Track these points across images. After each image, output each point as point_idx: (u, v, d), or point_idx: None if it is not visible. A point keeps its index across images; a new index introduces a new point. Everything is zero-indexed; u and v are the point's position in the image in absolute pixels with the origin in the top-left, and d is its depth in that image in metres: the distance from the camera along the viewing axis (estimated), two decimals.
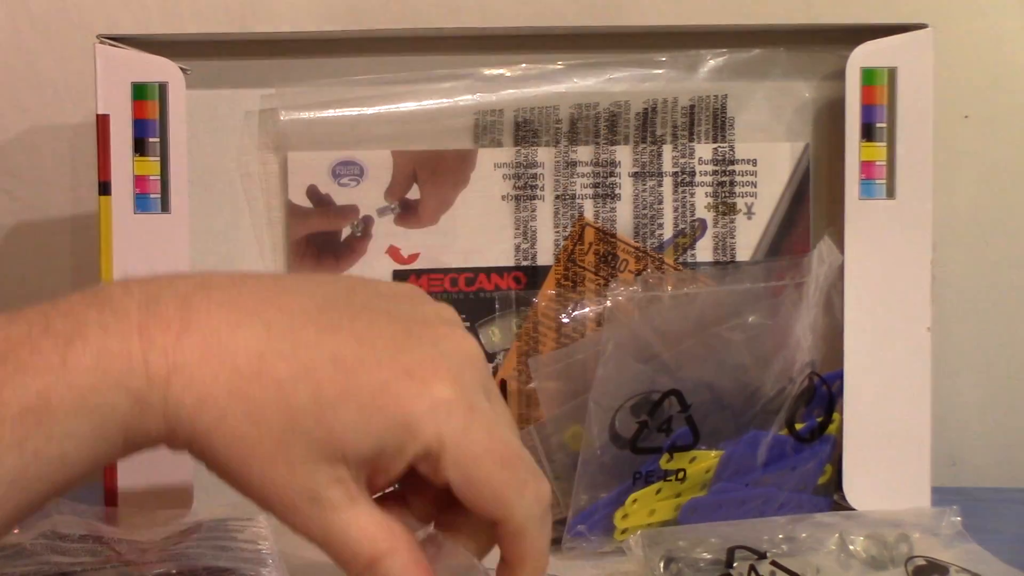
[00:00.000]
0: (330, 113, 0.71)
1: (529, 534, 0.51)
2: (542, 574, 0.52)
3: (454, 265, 0.70)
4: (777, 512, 0.65)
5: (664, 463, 0.64)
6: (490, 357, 0.72)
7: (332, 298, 0.51)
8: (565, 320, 0.71)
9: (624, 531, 0.63)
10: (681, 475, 0.64)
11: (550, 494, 0.51)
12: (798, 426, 0.66)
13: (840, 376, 0.68)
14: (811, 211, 0.71)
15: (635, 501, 0.63)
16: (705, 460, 0.64)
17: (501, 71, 0.71)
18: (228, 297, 0.50)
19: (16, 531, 0.61)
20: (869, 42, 0.67)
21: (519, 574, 0.52)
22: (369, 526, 0.50)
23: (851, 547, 0.62)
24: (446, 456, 0.49)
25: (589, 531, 0.63)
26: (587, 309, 0.71)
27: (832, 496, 0.68)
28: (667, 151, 0.71)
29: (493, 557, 0.50)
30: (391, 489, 0.51)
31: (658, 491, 0.64)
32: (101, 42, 0.66)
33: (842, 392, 0.68)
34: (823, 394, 0.67)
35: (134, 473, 0.67)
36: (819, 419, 0.67)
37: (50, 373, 0.48)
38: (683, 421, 0.64)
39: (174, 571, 0.57)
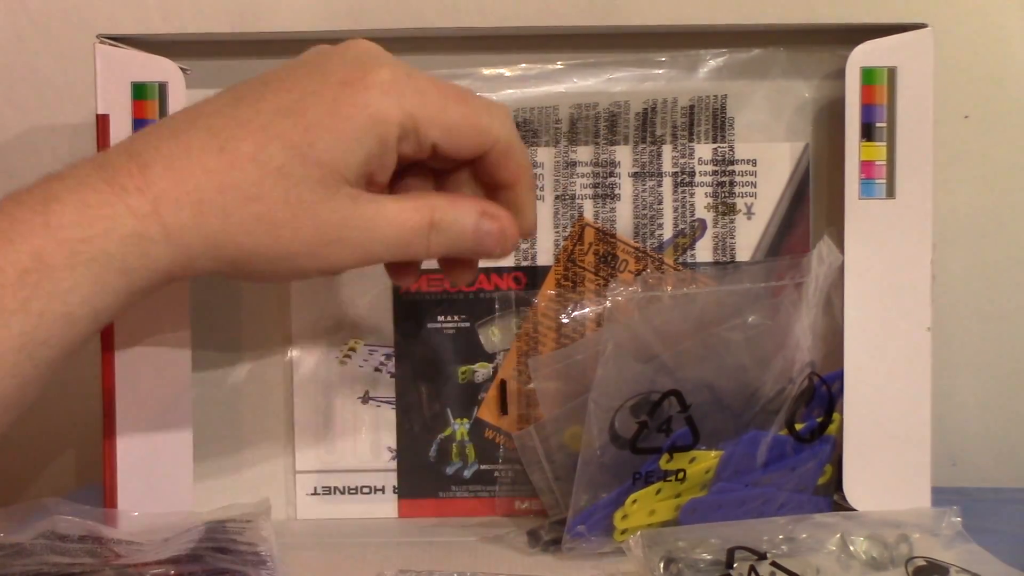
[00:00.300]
0: None
1: (515, 147, 0.57)
2: (534, 185, 0.59)
3: None
4: (777, 512, 0.65)
5: (664, 463, 0.64)
6: (490, 357, 0.72)
7: (242, 91, 0.55)
8: (565, 320, 0.71)
9: (624, 531, 0.63)
10: (681, 475, 0.64)
11: (511, 112, 0.58)
12: (798, 426, 0.66)
13: (840, 376, 0.68)
14: (811, 211, 0.71)
15: (635, 501, 0.63)
16: (705, 460, 0.64)
17: (501, 71, 0.71)
18: (164, 130, 0.54)
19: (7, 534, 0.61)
20: (869, 42, 0.67)
21: (520, 187, 0.58)
22: (404, 204, 0.56)
23: (851, 547, 0.62)
24: (421, 121, 0.54)
25: (589, 531, 0.63)
26: (587, 309, 0.71)
27: (832, 496, 0.68)
28: (667, 151, 0.71)
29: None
30: None
31: (658, 491, 0.64)
32: (101, 42, 0.66)
33: (842, 392, 0.68)
34: (823, 394, 0.67)
35: (134, 473, 0.67)
36: (819, 419, 0.67)
37: (37, 235, 0.51)
38: (683, 421, 0.64)
39: (173, 572, 0.57)
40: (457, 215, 0.56)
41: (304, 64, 0.56)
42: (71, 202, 0.52)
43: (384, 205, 0.55)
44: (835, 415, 0.68)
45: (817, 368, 0.67)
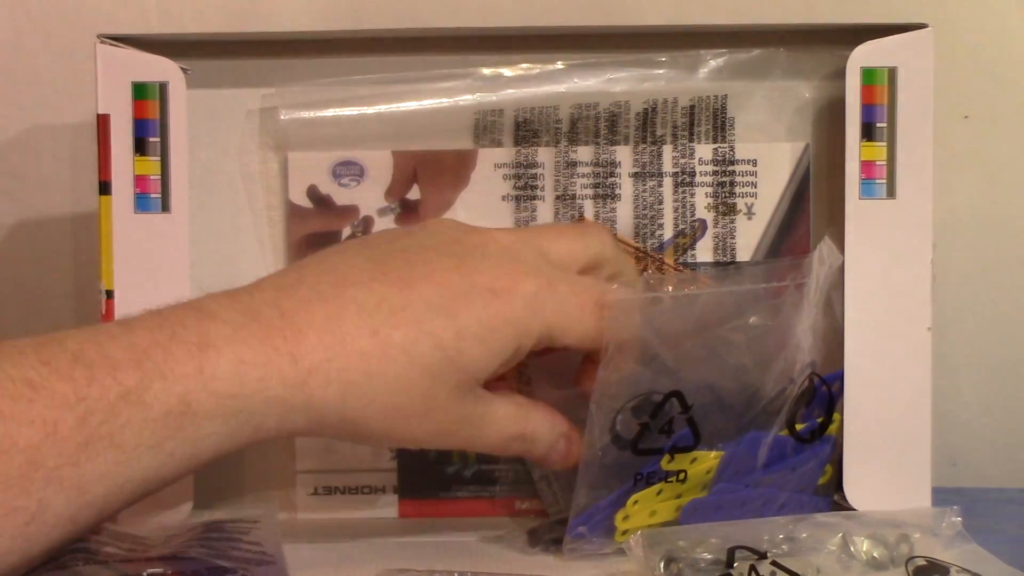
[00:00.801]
0: (330, 113, 0.71)
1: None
2: None
3: None
4: (778, 513, 0.65)
5: (665, 464, 0.64)
6: None
7: (383, 256, 0.58)
8: None
9: (625, 532, 0.63)
10: (682, 476, 0.64)
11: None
12: (798, 427, 0.66)
13: (840, 377, 0.68)
14: (811, 211, 0.71)
15: (636, 502, 0.63)
16: (706, 461, 0.64)
17: (501, 71, 0.71)
18: (309, 290, 0.56)
19: None
20: (869, 42, 0.67)
21: None
22: (509, 411, 0.60)
23: (851, 547, 0.62)
24: (556, 333, 0.59)
25: (590, 532, 0.63)
26: None
27: (832, 496, 0.68)
28: (667, 151, 0.71)
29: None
30: None
31: (659, 492, 0.64)
32: (101, 42, 0.66)
33: (842, 392, 0.68)
34: (823, 395, 0.67)
35: None
36: (819, 420, 0.67)
37: (189, 379, 0.52)
38: (684, 422, 0.64)
39: (174, 571, 0.57)
40: (545, 434, 0.62)
41: (448, 253, 0.59)
42: (227, 354, 0.53)
43: (494, 408, 0.60)
44: (835, 415, 0.68)
45: (818, 368, 0.67)
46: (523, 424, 0.61)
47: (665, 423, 0.64)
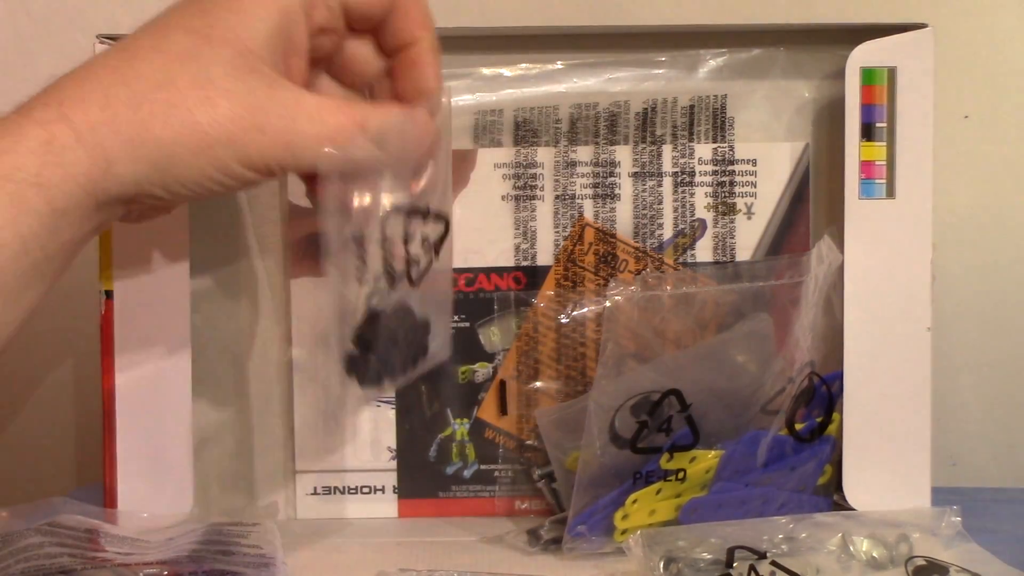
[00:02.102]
0: None
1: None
2: (437, 44, 0.58)
3: (454, 265, 0.70)
4: (777, 512, 0.65)
5: (664, 463, 0.64)
6: (490, 357, 0.72)
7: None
8: (564, 320, 0.71)
9: (624, 532, 0.63)
10: (681, 475, 0.64)
11: None
12: (798, 426, 0.66)
13: (840, 376, 0.68)
14: (811, 211, 0.71)
15: (635, 501, 0.63)
16: (705, 460, 0.64)
17: (501, 71, 0.71)
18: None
19: (3, 515, 0.61)
20: (869, 42, 0.67)
21: (423, 44, 0.57)
22: (326, 102, 0.53)
23: (851, 547, 0.62)
24: None
25: (589, 532, 0.63)
26: (587, 309, 0.71)
27: (832, 496, 0.68)
28: (667, 151, 0.71)
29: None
30: None
31: (658, 491, 0.64)
32: (101, 42, 0.66)
33: (842, 392, 0.68)
34: (823, 394, 0.67)
35: (134, 473, 0.67)
36: (819, 419, 0.67)
37: None
38: (683, 421, 0.64)
39: (167, 572, 0.57)
40: (390, 118, 0.55)
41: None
42: None
43: (303, 96, 0.53)
44: (835, 415, 0.68)
45: (816, 368, 0.67)
46: (354, 114, 0.53)
47: (664, 422, 0.64)
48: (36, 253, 0.50)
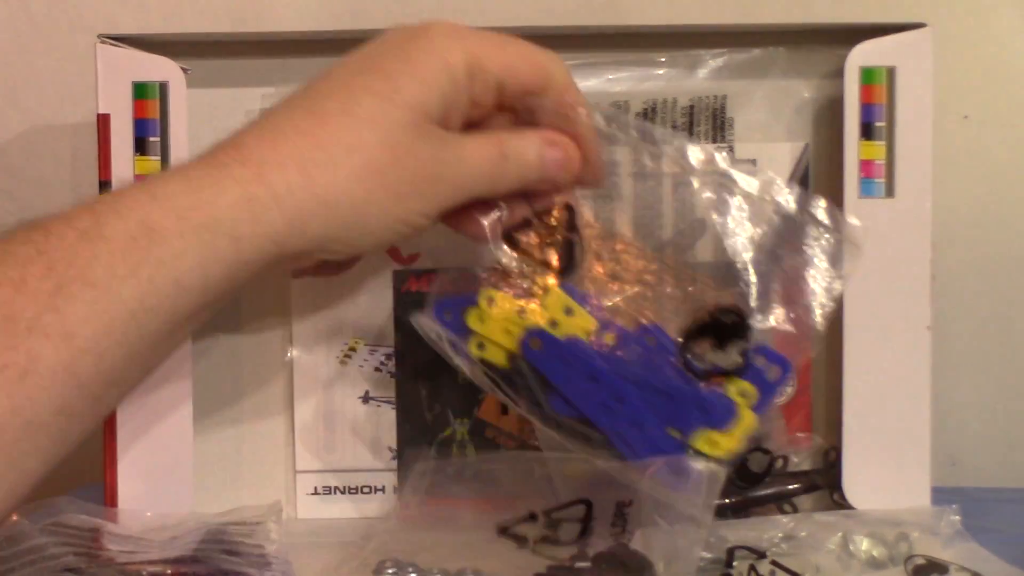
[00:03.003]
0: None
1: (572, 85, 0.61)
2: (595, 132, 0.62)
3: (454, 265, 0.70)
4: (607, 421, 0.60)
5: (528, 262, 0.62)
6: None
7: (318, 74, 0.58)
8: None
9: (481, 345, 0.61)
10: (542, 295, 0.61)
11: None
12: (697, 361, 0.62)
13: (787, 371, 0.63)
14: None
15: (492, 301, 0.61)
16: (583, 319, 0.62)
17: None
18: (255, 119, 0.57)
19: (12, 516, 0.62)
20: (868, 41, 0.68)
21: (580, 126, 0.61)
22: (477, 138, 0.59)
23: (851, 546, 0.62)
24: (482, 58, 0.58)
25: (444, 324, 0.62)
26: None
27: (689, 452, 0.61)
28: (667, 151, 0.71)
29: None
30: None
31: (520, 311, 0.61)
32: (101, 42, 0.66)
33: (782, 384, 0.66)
34: (756, 371, 0.62)
35: (134, 473, 0.67)
36: (729, 377, 0.62)
37: (143, 206, 0.52)
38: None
39: (170, 572, 0.57)
40: (522, 143, 0.60)
41: (369, 43, 0.60)
42: (175, 179, 0.53)
43: (463, 140, 0.58)
44: (746, 413, 0.61)
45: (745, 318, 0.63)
46: (495, 142, 0.59)
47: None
48: (214, 296, 0.54)
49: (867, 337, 0.68)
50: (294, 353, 0.72)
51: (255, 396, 0.72)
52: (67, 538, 0.60)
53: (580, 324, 0.62)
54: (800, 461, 0.70)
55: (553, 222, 0.63)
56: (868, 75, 0.68)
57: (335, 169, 0.54)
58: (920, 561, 0.61)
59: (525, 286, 0.62)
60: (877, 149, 0.68)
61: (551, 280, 0.62)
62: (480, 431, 0.72)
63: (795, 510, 0.69)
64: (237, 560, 0.58)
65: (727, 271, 0.70)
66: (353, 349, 0.72)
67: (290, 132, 0.55)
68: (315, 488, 0.72)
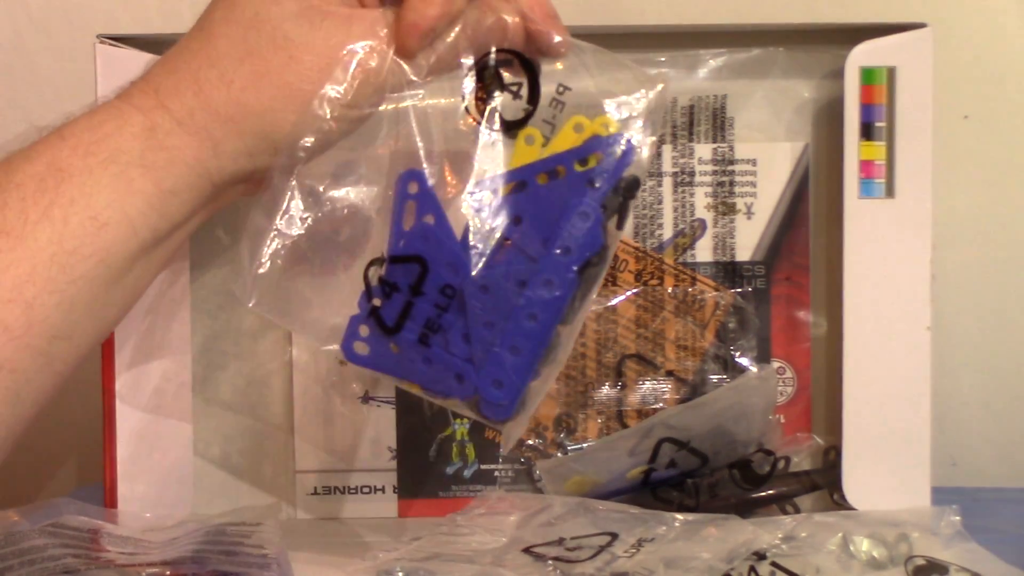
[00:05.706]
0: None
1: None
2: None
3: None
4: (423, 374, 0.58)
5: None
6: None
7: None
8: None
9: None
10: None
11: None
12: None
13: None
14: (811, 211, 0.71)
15: None
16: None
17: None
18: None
19: (13, 516, 0.62)
20: (868, 41, 0.68)
21: None
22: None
23: (851, 547, 0.62)
24: None
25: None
26: None
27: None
28: (667, 151, 0.71)
29: None
30: None
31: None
32: (101, 42, 0.66)
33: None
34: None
35: (134, 473, 0.67)
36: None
37: (52, 146, 0.52)
38: None
39: (169, 573, 0.57)
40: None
41: None
42: (84, 117, 0.53)
43: (364, 15, 0.54)
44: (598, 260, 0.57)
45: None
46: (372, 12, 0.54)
47: None
48: (145, 234, 0.52)
49: (867, 337, 0.68)
50: (294, 353, 0.72)
51: (255, 396, 0.72)
52: (66, 539, 0.60)
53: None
54: (800, 461, 0.71)
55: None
56: (868, 75, 0.68)
57: (230, 83, 0.52)
58: (920, 562, 0.61)
59: None
60: (877, 149, 0.68)
61: None
62: (480, 431, 0.72)
63: (797, 510, 0.69)
64: (237, 561, 0.58)
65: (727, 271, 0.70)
66: None
67: (186, 54, 0.54)
68: (315, 488, 0.72)
